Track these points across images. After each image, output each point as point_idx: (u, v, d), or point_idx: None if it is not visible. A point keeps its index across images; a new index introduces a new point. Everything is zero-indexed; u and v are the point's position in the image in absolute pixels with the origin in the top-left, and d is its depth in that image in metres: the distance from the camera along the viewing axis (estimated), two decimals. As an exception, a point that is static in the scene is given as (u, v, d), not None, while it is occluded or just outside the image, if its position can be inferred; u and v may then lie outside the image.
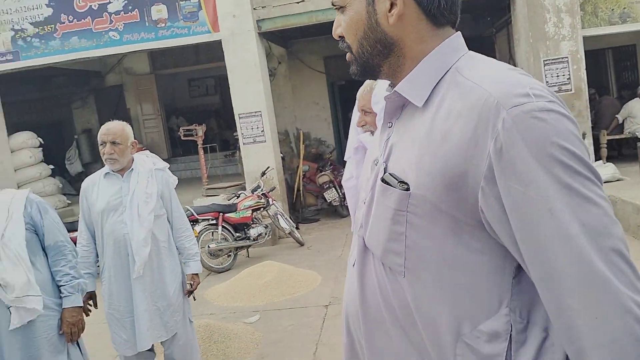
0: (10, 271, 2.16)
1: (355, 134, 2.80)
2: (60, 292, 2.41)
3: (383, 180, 0.97)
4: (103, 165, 2.97)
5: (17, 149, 9.09)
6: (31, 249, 2.27)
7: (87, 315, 2.88)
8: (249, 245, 6.79)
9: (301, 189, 9.06)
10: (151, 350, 3.04)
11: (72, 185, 12.07)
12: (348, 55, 1.05)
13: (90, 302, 2.91)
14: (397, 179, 0.94)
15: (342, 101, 11.11)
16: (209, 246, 6.32)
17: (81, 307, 2.47)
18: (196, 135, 8.43)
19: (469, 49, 1.01)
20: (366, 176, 1.09)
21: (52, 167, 9.64)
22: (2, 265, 2.15)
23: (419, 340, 0.97)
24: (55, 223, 2.43)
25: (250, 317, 4.59)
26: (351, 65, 1.05)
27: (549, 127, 0.80)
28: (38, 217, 2.35)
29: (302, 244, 7.20)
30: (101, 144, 2.84)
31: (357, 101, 2.63)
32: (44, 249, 2.40)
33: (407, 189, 0.92)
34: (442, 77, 0.95)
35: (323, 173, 8.71)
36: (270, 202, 7.15)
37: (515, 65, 7.63)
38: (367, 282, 1.03)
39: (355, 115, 2.70)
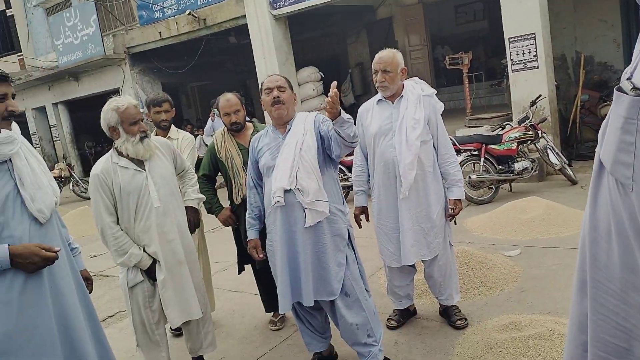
0: (305, 178, 2.58)
1: None
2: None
3: (618, 88, 0.92)
4: (371, 98, 3.20)
5: (302, 82, 10.42)
6: (320, 161, 2.65)
7: (360, 227, 3.26)
8: (513, 179, 6.50)
9: (578, 121, 8.09)
10: (412, 266, 3.28)
11: (346, 115, 13.28)
12: None
13: (362, 215, 3.28)
14: (634, 86, 0.88)
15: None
16: (470, 177, 6.29)
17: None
18: (462, 63, 8.24)
19: None
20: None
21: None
22: (300, 173, 2.58)
23: None
24: None
25: (511, 250, 4.48)
26: None
27: None
28: (325, 128, 2.70)
29: (574, 182, 6.55)
30: (374, 72, 3.05)
31: None
32: (330, 162, 2.77)
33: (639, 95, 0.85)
34: None
35: (607, 103, 7.58)
36: (540, 135, 6.63)
37: None
38: (600, 198, 1.01)
39: None
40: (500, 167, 6.45)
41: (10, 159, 1.98)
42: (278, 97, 2.68)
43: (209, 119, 10.65)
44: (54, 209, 2.10)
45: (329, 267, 2.64)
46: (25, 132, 15.20)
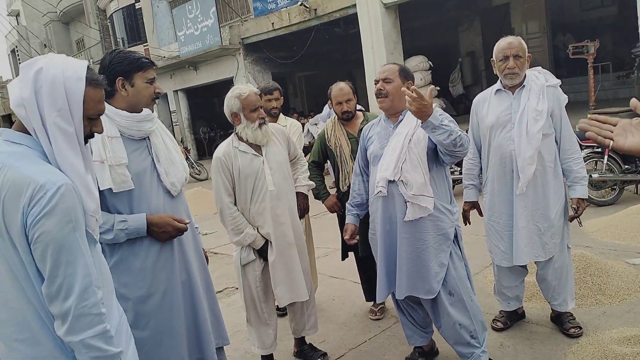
0: (410, 171, 2.53)
1: None
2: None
3: None
4: (482, 89, 3.04)
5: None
6: (430, 155, 2.58)
7: (469, 223, 3.16)
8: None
9: None
10: (524, 267, 3.11)
11: (453, 107, 12.89)
12: None
13: (472, 211, 3.16)
14: None
15: None
16: (591, 176, 5.82)
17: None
18: (587, 52, 7.61)
19: None
20: None
21: (438, 88, 10.46)
22: (406, 165, 2.54)
23: None
24: (452, 124, 2.65)
25: (635, 258, 4.10)
26: None
27: None
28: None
29: None
30: (503, 59, 2.88)
31: None
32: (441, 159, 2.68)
33: None
34: None
35: None
36: (677, 132, 5.94)
37: None
38: None
39: None
40: (626, 166, 5.89)
41: (148, 137, 2.20)
42: (381, 89, 2.65)
43: (327, 105, 10.79)
44: (184, 184, 2.30)
45: (429, 265, 2.58)
46: (149, 117, 16.54)
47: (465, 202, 3.19)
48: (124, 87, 2.10)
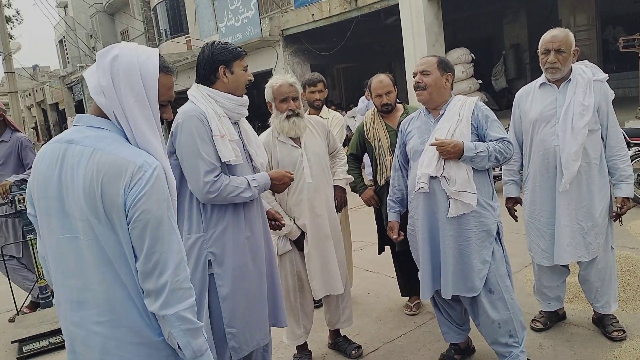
0: (453, 167, 2.49)
1: None
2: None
3: None
4: (526, 83, 2.95)
5: (452, 64, 10.05)
6: None
7: (516, 219, 3.09)
8: (694, 180, 5.63)
9: None
10: (566, 266, 3.03)
11: (495, 101, 12.58)
12: None
13: (516, 207, 3.08)
14: None
15: None
16: (638, 175, 5.59)
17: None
18: (638, 46, 7.29)
19: None
20: None
21: (480, 81, 10.24)
22: (448, 162, 2.50)
23: None
24: (497, 127, 2.60)
25: (685, 261, 3.92)
26: None
27: None
28: (482, 122, 2.58)
29: None
30: (545, 52, 2.80)
31: None
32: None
33: None
34: None
35: None
36: None
37: None
38: None
39: None
40: (680, 165, 5.63)
41: (237, 122, 2.36)
42: (419, 82, 2.62)
43: (364, 97, 10.68)
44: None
45: (472, 262, 2.54)
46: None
47: (507, 198, 3.12)
48: (225, 74, 2.26)
